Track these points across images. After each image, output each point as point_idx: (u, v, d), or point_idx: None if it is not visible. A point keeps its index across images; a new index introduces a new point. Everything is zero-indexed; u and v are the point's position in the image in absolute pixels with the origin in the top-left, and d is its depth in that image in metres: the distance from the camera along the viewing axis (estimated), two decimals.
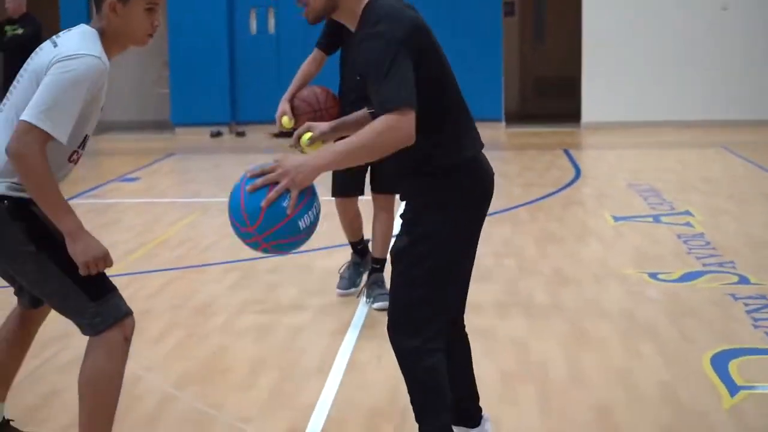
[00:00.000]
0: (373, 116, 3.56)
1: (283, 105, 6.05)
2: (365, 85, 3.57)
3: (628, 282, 6.99)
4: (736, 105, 16.38)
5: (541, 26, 18.91)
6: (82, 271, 3.63)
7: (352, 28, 3.70)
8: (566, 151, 13.93)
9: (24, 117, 3.55)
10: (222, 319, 6.33)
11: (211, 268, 7.65)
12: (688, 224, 8.83)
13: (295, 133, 4.14)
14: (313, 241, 8.53)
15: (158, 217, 9.79)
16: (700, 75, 16.41)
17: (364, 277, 6.75)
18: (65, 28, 3.85)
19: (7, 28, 13.49)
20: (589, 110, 16.64)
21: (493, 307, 6.36)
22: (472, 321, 5.89)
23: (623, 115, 16.47)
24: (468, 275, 3.93)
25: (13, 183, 3.68)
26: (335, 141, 3.68)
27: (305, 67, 6.34)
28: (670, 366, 5.30)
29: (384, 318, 5.63)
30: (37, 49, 3.81)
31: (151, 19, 3.79)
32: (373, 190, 6.59)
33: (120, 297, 3.79)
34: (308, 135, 4.08)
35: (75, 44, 3.67)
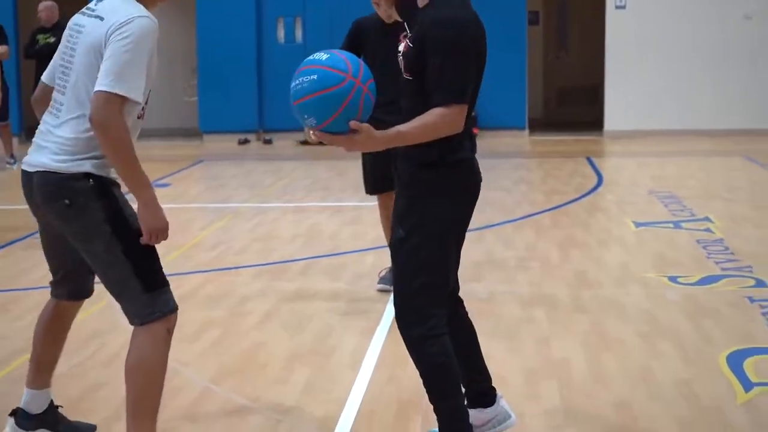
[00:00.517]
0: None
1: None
2: (419, 54, 3.78)
3: (648, 285, 7.08)
4: (757, 114, 16.37)
5: (565, 35, 18.96)
6: (145, 238, 3.82)
7: (422, 2, 3.89)
8: (589, 159, 13.96)
9: (99, 87, 3.73)
10: (256, 318, 6.45)
11: (244, 270, 7.77)
12: (707, 230, 8.90)
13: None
14: (344, 243, 8.77)
15: (191, 221, 9.92)
16: (721, 84, 16.39)
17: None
18: None
19: (39, 36, 13.70)
20: (611, 118, 16.67)
21: (517, 308, 6.48)
22: (495, 321, 6.11)
23: (645, 123, 16.47)
24: (458, 257, 4.07)
25: (96, 160, 3.86)
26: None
27: None
28: (688, 364, 5.38)
29: None
30: (76, 27, 3.95)
31: None
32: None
33: (170, 292, 3.97)
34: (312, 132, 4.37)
35: (123, 11, 3.83)
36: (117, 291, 3.96)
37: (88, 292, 4.32)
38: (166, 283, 3.97)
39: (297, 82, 3.64)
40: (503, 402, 4.33)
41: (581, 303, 6.70)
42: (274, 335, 6.09)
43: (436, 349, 3.90)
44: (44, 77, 4.17)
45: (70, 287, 4.26)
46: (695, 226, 9.10)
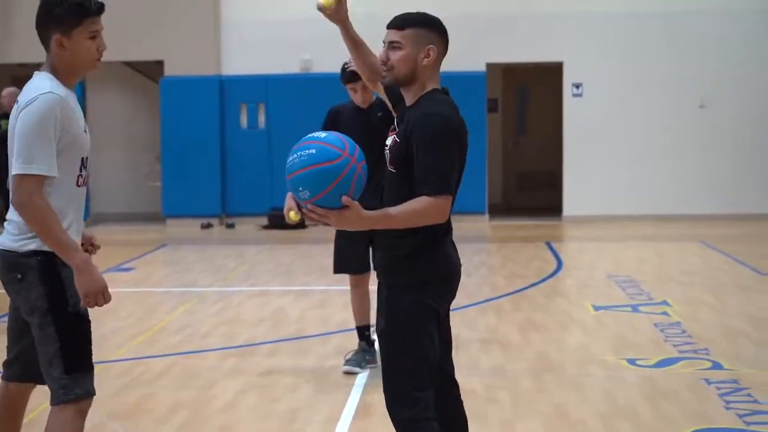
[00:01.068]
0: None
1: (289, 201, 6.28)
2: (408, 149, 3.95)
3: (608, 367, 7.18)
4: (713, 199, 16.53)
5: (524, 122, 19.14)
6: (83, 302, 3.91)
7: (410, 101, 4.10)
8: (548, 244, 14.06)
9: (13, 171, 3.88)
10: (223, 401, 6.47)
11: (210, 353, 7.81)
12: (665, 313, 9.01)
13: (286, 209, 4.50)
14: (309, 326, 8.81)
15: (155, 305, 9.90)
16: (678, 170, 16.58)
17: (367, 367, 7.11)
18: None
19: (3, 122, 13.81)
20: (570, 204, 16.82)
21: (482, 391, 6.54)
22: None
23: (603, 208, 16.58)
24: (448, 339, 4.20)
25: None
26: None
27: None
28: None
29: (375, 404, 5.97)
30: (11, 115, 4.05)
31: (96, 45, 4.06)
32: (375, 267, 7.02)
33: (90, 378, 4.04)
34: (293, 213, 4.60)
35: (28, 91, 3.95)
36: (44, 368, 4.02)
37: (37, 378, 4.19)
38: (89, 368, 4.03)
39: (294, 156, 3.75)
40: None
41: (543, 384, 6.77)
42: (242, 418, 6.10)
43: None
44: None
45: (20, 368, 4.25)
46: (653, 310, 9.20)
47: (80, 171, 4.08)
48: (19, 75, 17.15)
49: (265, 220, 16.60)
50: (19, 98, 4.00)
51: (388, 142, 4.15)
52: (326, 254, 12.87)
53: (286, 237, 15.38)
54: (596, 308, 9.39)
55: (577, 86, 16.84)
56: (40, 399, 4.51)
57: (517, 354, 7.65)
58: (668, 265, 12.16)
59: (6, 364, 4.33)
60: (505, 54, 16.84)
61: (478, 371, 7.05)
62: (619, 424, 5.87)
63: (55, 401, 4.00)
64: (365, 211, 3.84)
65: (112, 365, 7.23)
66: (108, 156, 17.53)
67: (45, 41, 4.06)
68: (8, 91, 13.97)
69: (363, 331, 7.27)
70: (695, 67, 16.54)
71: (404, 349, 4.01)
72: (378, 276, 4.24)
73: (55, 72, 4.04)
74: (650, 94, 16.63)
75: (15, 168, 3.88)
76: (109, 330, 8.38)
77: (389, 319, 4.03)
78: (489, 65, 16.86)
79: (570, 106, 16.85)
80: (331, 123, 7.08)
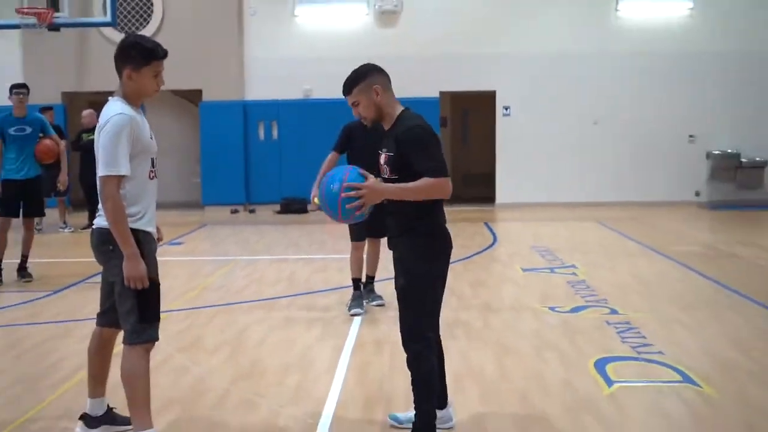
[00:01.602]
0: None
1: (314, 189, 6.43)
2: (403, 158, 3.92)
3: (535, 312, 7.22)
4: (606, 191, 16.61)
5: (466, 135, 19.10)
6: (125, 282, 3.88)
7: (388, 126, 4.07)
8: (486, 224, 14.04)
9: (98, 173, 3.87)
10: (256, 338, 6.48)
11: (243, 305, 7.77)
12: (574, 274, 9.05)
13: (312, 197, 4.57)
14: (315, 285, 8.76)
15: (199, 269, 9.85)
16: (580, 169, 16.64)
17: (363, 303, 7.27)
18: None
19: (84, 135, 13.72)
20: (501, 194, 16.84)
21: (445, 330, 6.52)
22: None
23: (526, 197, 16.61)
24: (441, 300, 4.19)
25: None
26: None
27: (326, 164, 6.78)
28: (567, 368, 5.52)
29: (367, 341, 5.96)
30: (96, 131, 4.03)
31: (157, 81, 4.02)
32: (369, 236, 7.21)
33: (156, 327, 4.02)
34: (316, 199, 4.61)
35: (106, 114, 3.93)
36: (122, 317, 4.02)
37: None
38: (156, 319, 4.01)
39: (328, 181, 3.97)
40: (451, 409, 4.43)
41: (489, 325, 6.80)
42: (270, 352, 6.10)
43: (428, 366, 4.00)
44: None
45: (109, 318, 4.25)
46: (565, 271, 9.23)
47: (151, 167, 4.06)
48: (94, 100, 17.04)
49: (278, 207, 16.55)
50: (99, 119, 3.97)
51: (381, 160, 4.09)
52: (324, 232, 13.01)
53: (294, 219, 15.35)
54: (524, 270, 9.41)
55: (506, 108, 16.82)
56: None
57: (468, 303, 7.66)
58: (575, 239, 12.17)
59: (99, 314, 4.33)
60: (453, 84, 16.79)
61: (441, 316, 7.04)
62: (547, 353, 5.92)
63: (128, 342, 3.98)
64: (383, 183, 3.87)
65: (172, 314, 7.21)
66: (161, 161, 16.94)
67: (119, 72, 4.02)
68: (87, 112, 13.88)
69: (357, 282, 7.33)
70: (591, 95, 16.61)
71: (419, 302, 4.01)
72: (391, 244, 4.18)
73: (125, 97, 4.01)
74: (559, 114, 16.66)
75: (100, 171, 3.87)
76: (167, 288, 8.30)
77: (408, 280, 4.01)
78: (441, 92, 16.80)
79: (501, 123, 16.85)
80: (346, 137, 7.02)
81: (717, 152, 16.49)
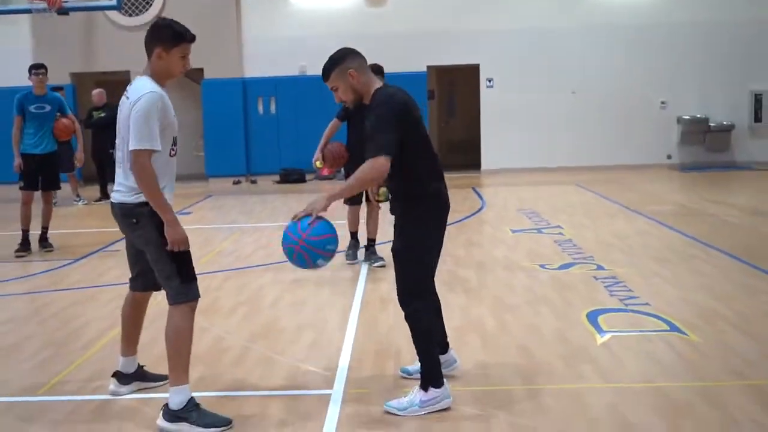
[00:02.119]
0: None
1: (317, 153, 6.87)
2: (369, 132, 3.87)
3: (526, 270, 7.24)
4: (585, 156, 16.60)
5: (453, 106, 19.10)
6: (170, 247, 3.86)
7: (367, 102, 4.00)
8: (474, 189, 14.06)
9: (130, 147, 3.80)
10: (270, 300, 6.48)
11: (254, 269, 7.77)
12: (560, 234, 9.08)
13: (380, 190, 4.64)
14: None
15: (210, 237, 9.84)
16: (560, 136, 16.62)
17: (358, 253, 7.65)
18: None
19: (94, 113, 13.58)
20: (486, 161, 16.82)
21: (442, 288, 6.52)
22: None
23: (510, 163, 16.63)
24: (437, 259, 4.16)
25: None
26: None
27: (329, 130, 7.09)
28: (561, 320, 5.55)
29: (372, 299, 5.95)
30: (119, 107, 3.97)
31: (184, 62, 3.97)
32: (367, 200, 7.50)
33: (196, 284, 4.01)
34: (383, 189, 4.48)
35: (138, 91, 3.86)
36: (163, 281, 3.99)
37: (155, 287, 4.23)
38: (195, 278, 3.99)
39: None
40: (452, 351, 4.46)
41: (485, 282, 6.82)
42: (284, 312, 6.10)
43: (426, 322, 4.01)
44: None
45: (142, 282, 4.26)
46: (551, 231, 9.25)
47: (173, 145, 4.02)
48: (101, 80, 16.87)
49: (277, 177, 16.51)
50: (129, 95, 3.89)
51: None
52: None
53: (292, 188, 15.31)
54: (513, 231, 9.42)
55: (490, 80, 16.75)
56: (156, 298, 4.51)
57: (464, 262, 7.68)
58: (557, 201, 12.16)
59: (131, 280, 4.32)
60: (440, 59, 16.68)
61: (439, 275, 6.97)
62: (540, 307, 5.94)
63: (174, 302, 3.95)
64: (325, 192, 3.81)
65: None
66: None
67: (149, 51, 3.94)
68: (96, 91, 13.72)
69: (355, 235, 7.79)
70: (568, 67, 16.55)
71: (415, 264, 3.98)
72: (392, 209, 4.14)
73: (153, 75, 3.94)
74: (539, 85, 16.60)
75: (132, 144, 3.77)
76: None
77: (404, 244, 3.97)
78: (429, 66, 16.68)
79: (485, 94, 16.79)
80: (343, 112, 7.16)
81: (687, 117, 16.50)
